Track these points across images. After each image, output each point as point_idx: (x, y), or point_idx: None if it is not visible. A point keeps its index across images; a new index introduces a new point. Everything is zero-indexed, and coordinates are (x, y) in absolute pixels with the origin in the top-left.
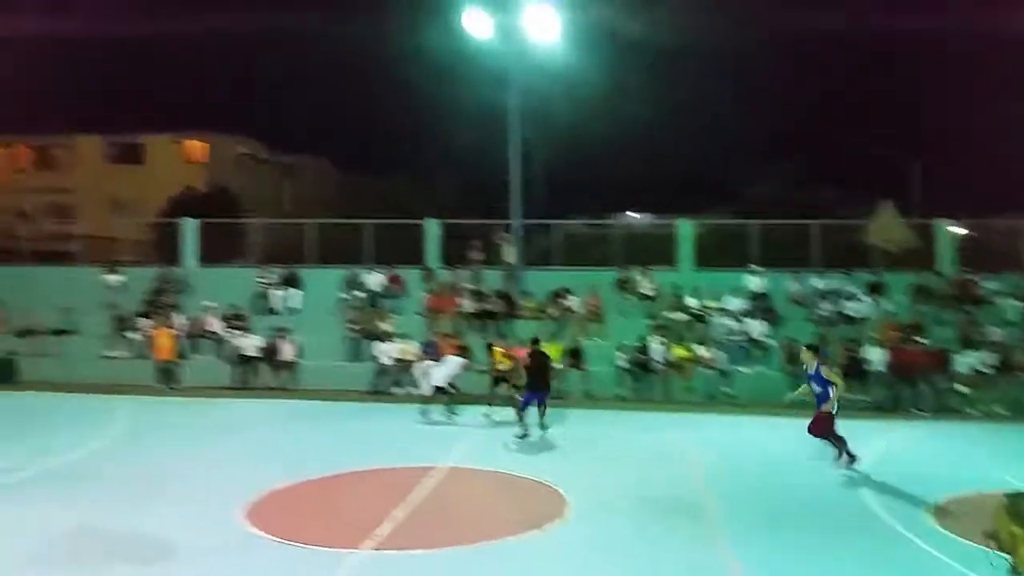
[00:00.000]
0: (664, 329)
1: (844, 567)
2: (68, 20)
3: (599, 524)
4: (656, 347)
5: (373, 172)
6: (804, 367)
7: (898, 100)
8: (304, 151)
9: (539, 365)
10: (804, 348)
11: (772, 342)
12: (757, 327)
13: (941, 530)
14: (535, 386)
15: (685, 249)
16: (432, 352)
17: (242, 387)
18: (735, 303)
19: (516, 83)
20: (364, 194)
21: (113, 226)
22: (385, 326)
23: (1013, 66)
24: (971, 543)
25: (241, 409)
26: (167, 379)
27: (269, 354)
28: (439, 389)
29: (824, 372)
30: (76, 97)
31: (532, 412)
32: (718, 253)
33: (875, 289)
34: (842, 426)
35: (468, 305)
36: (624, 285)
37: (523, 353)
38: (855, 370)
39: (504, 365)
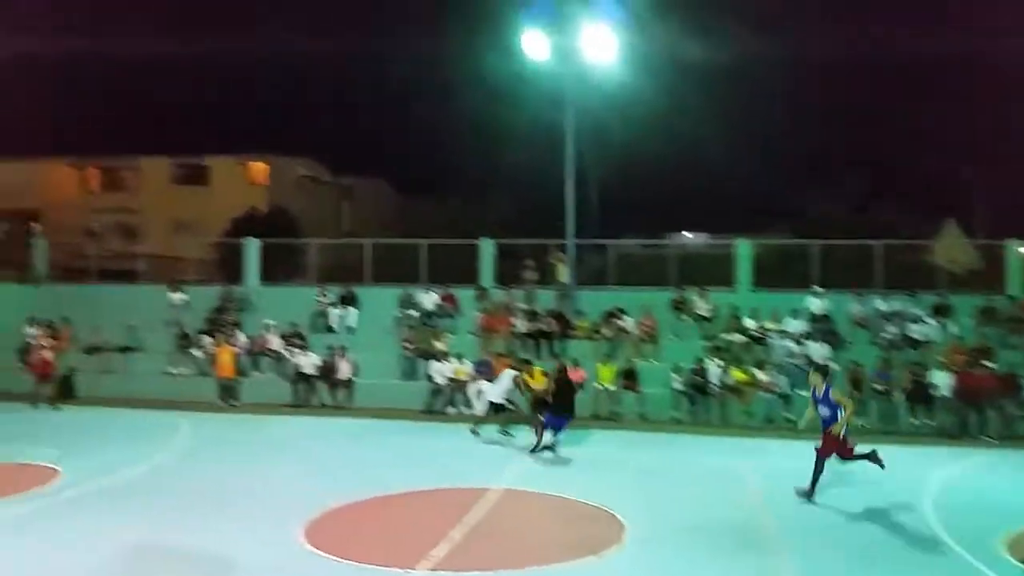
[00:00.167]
0: (722, 351)
1: None
2: (137, 47)
3: (658, 552)
4: (714, 369)
5: (429, 192)
6: (812, 390)
7: (964, 118)
8: (362, 172)
9: (564, 391)
10: (812, 371)
11: (835, 366)
12: (819, 350)
13: (1015, 562)
14: (559, 410)
15: (743, 269)
16: (486, 372)
17: (300, 404)
18: (796, 325)
19: (572, 103)
20: (420, 214)
21: (177, 246)
22: (440, 345)
23: None
24: None
25: (299, 426)
26: (228, 396)
27: (327, 372)
28: (496, 406)
29: (833, 395)
30: (144, 120)
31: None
32: (777, 274)
33: (941, 311)
34: (904, 452)
35: (521, 325)
36: (680, 306)
37: (579, 374)
38: (921, 395)
39: (539, 385)
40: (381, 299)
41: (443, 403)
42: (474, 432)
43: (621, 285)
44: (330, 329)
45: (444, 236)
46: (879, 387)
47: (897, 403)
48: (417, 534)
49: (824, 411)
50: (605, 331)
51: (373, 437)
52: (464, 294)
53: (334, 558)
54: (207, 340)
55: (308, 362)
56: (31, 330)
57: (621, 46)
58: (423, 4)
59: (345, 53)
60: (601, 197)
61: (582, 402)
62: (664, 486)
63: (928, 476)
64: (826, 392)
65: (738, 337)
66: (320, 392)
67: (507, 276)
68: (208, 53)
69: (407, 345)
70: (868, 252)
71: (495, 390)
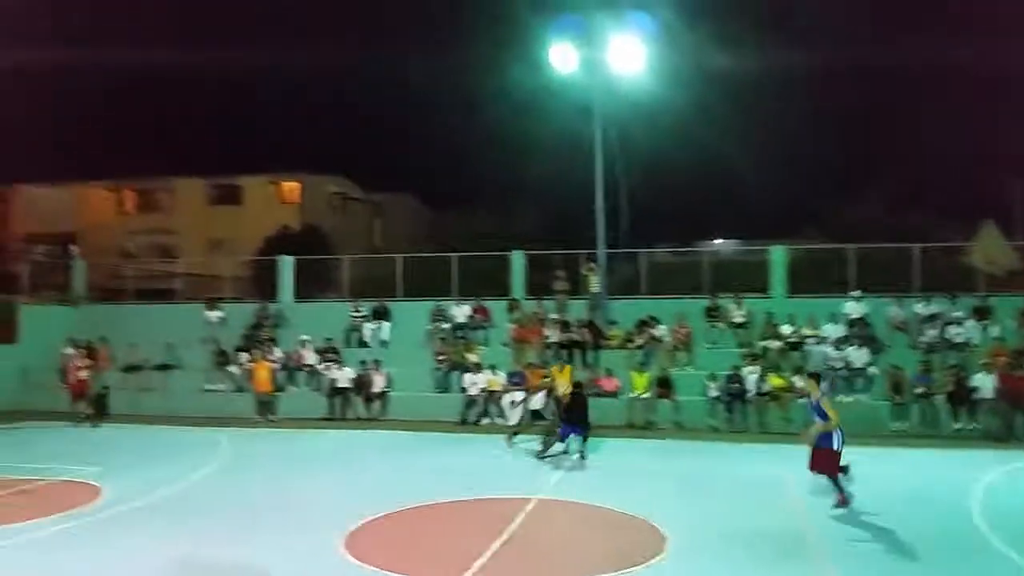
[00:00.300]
0: (758, 358)
1: None
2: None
3: (702, 562)
4: (751, 376)
5: (459, 206)
6: (809, 397)
7: (998, 118)
8: (392, 188)
9: (576, 404)
10: (807, 376)
11: (874, 370)
12: (858, 355)
13: None
14: (570, 420)
15: (778, 275)
16: (519, 383)
17: (336, 418)
18: (833, 330)
19: (601, 114)
20: (450, 228)
21: (213, 264)
22: (472, 357)
23: None
24: None
25: (335, 439)
26: (265, 411)
27: (361, 386)
28: (535, 414)
29: (824, 404)
30: (178, 141)
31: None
32: (813, 279)
33: (981, 313)
34: (948, 456)
35: (553, 335)
36: (714, 313)
37: (612, 383)
38: (963, 398)
39: (563, 383)
40: (413, 313)
41: (477, 414)
42: (510, 442)
43: (653, 294)
44: (364, 343)
45: (474, 249)
46: (920, 391)
47: (939, 406)
48: (457, 546)
49: (819, 421)
50: (638, 340)
51: (409, 449)
52: (496, 306)
53: (375, 570)
54: (244, 356)
55: (343, 376)
56: (69, 350)
57: (649, 55)
58: (450, 20)
59: (373, 70)
60: (630, 206)
61: (616, 410)
62: (703, 495)
63: (973, 480)
64: (818, 401)
65: (775, 343)
66: (355, 405)
67: (538, 287)
68: (239, 75)
69: (440, 357)
70: (905, 255)
71: (535, 397)
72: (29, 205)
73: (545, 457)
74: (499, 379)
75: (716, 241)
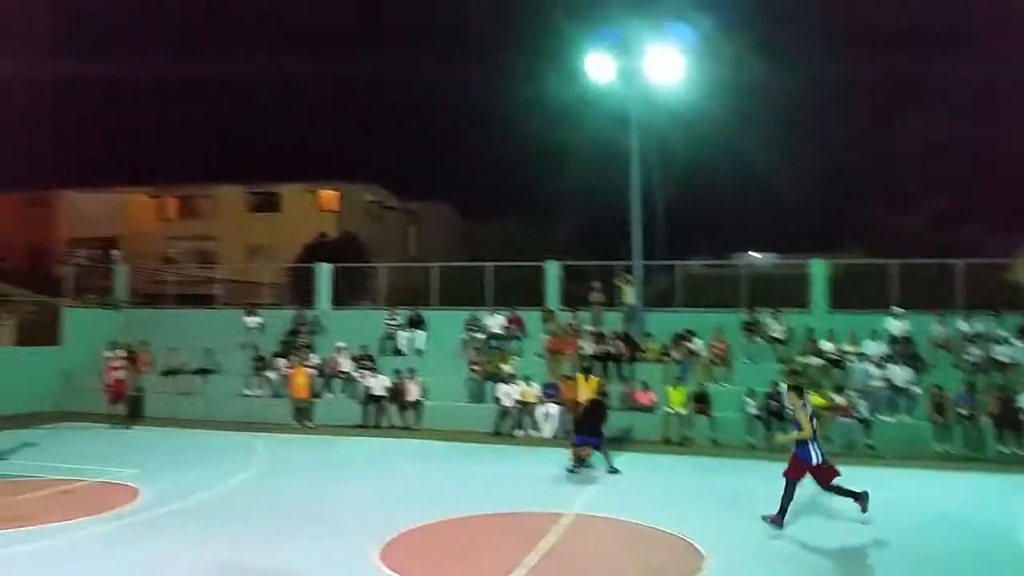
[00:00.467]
0: (798, 374)
1: None
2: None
3: None
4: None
5: (494, 215)
6: (790, 410)
7: None
8: (427, 197)
9: (590, 414)
10: (788, 389)
11: (917, 390)
12: (900, 373)
13: None
14: (580, 430)
15: (819, 290)
16: (554, 394)
17: (370, 426)
18: (875, 347)
19: (637, 123)
20: (485, 237)
21: (251, 271)
22: (506, 368)
23: None
24: None
25: (370, 447)
26: (302, 417)
27: (396, 394)
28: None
29: (799, 415)
30: (219, 150)
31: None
32: (854, 294)
33: None
34: (993, 480)
35: (588, 347)
36: (752, 327)
37: (648, 397)
38: (1009, 420)
39: (587, 391)
40: (448, 322)
41: (511, 425)
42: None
43: (689, 307)
44: (398, 352)
45: (508, 258)
46: (964, 411)
47: (984, 428)
48: (492, 558)
49: (795, 432)
50: (674, 353)
51: (443, 459)
52: (530, 316)
53: None
54: (282, 362)
55: (378, 384)
56: (109, 353)
57: (687, 65)
58: (487, 30)
59: (410, 80)
60: (666, 217)
61: (652, 425)
62: (741, 513)
63: (1020, 506)
64: (795, 411)
65: (815, 360)
66: (390, 413)
67: (573, 298)
68: (281, 84)
69: (474, 367)
70: (950, 272)
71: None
72: (73, 210)
73: (573, 471)
74: (533, 390)
75: (752, 253)
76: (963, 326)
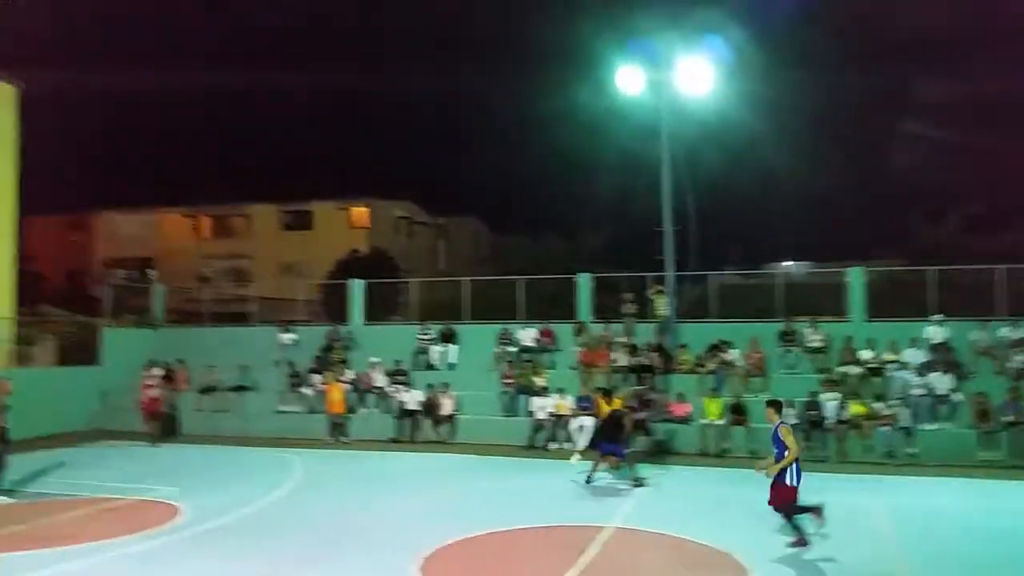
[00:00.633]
0: (837, 384)
1: None
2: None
3: None
4: (829, 403)
5: (524, 229)
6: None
7: None
8: (457, 211)
9: (610, 422)
10: (766, 404)
11: (959, 397)
12: (941, 381)
13: None
14: (599, 438)
15: (856, 298)
16: (588, 407)
17: (405, 440)
18: (915, 355)
19: (668, 134)
20: (514, 250)
21: (285, 288)
22: (539, 381)
23: None
24: None
25: (405, 462)
26: (337, 432)
27: (430, 408)
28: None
29: (781, 432)
30: (252, 170)
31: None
32: (893, 302)
33: None
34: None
35: (622, 359)
36: (788, 337)
37: (684, 409)
38: None
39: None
40: (480, 336)
41: (545, 438)
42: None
43: (723, 317)
44: (431, 366)
45: (538, 272)
46: (1009, 419)
47: None
48: (533, 573)
49: (775, 450)
50: (709, 364)
51: (478, 473)
52: (562, 329)
53: None
54: (317, 378)
55: (412, 398)
56: (145, 372)
57: (717, 76)
58: (514, 45)
59: (436, 95)
60: (699, 228)
61: (688, 437)
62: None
63: None
64: (776, 429)
65: (854, 369)
66: (424, 428)
67: (605, 310)
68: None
69: (507, 381)
70: (989, 276)
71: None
72: (110, 231)
73: (590, 479)
74: (567, 403)
75: (786, 263)
76: (1005, 332)
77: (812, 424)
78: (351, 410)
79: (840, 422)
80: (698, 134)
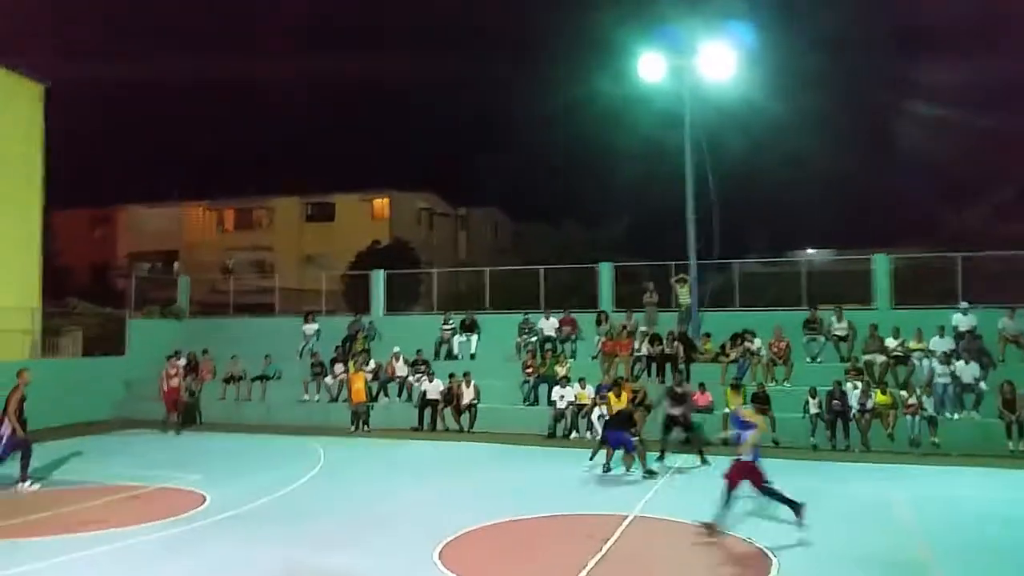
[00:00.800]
0: (861, 372)
1: None
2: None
3: None
4: (854, 392)
5: (544, 218)
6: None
7: None
8: (476, 201)
9: (620, 415)
10: (729, 388)
11: (984, 386)
12: (967, 369)
13: None
14: (607, 430)
15: (882, 285)
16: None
17: (426, 429)
18: (941, 343)
19: (691, 122)
20: (536, 240)
21: (307, 279)
22: (560, 370)
23: None
24: None
25: (427, 451)
26: (359, 421)
27: (451, 398)
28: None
29: (744, 413)
30: (275, 163)
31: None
32: (918, 289)
33: None
34: None
35: (644, 348)
36: (813, 326)
37: (706, 398)
38: None
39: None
40: (501, 325)
41: (566, 428)
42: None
43: (746, 306)
44: (452, 356)
45: (560, 260)
46: None
47: None
48: (556, 561)
49: (735, 432)
50: (732, 354)
51: (499, 461)
52: (584, 318)
53: None
54: (339, 368)
55: (433, 388)
56: (168, 362)
57: (741, 61)
58: (535, 33)
59: (457, 84)
60: (721, 215)
61: (710, 426)
62: (808, 515)
63: None
64: (738, 411)
65: (879, 357)
66: (445, 417)
67: (627, 299)
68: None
69: (528, 370)
70: (1017, 263)
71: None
72: (135, 224)
73: (607, 469)
74: (588, 392)
75: (810, 250)
76: None
77: (836, 413)
78: (373, 399)
79: (864, 411)
80: (720, 120)
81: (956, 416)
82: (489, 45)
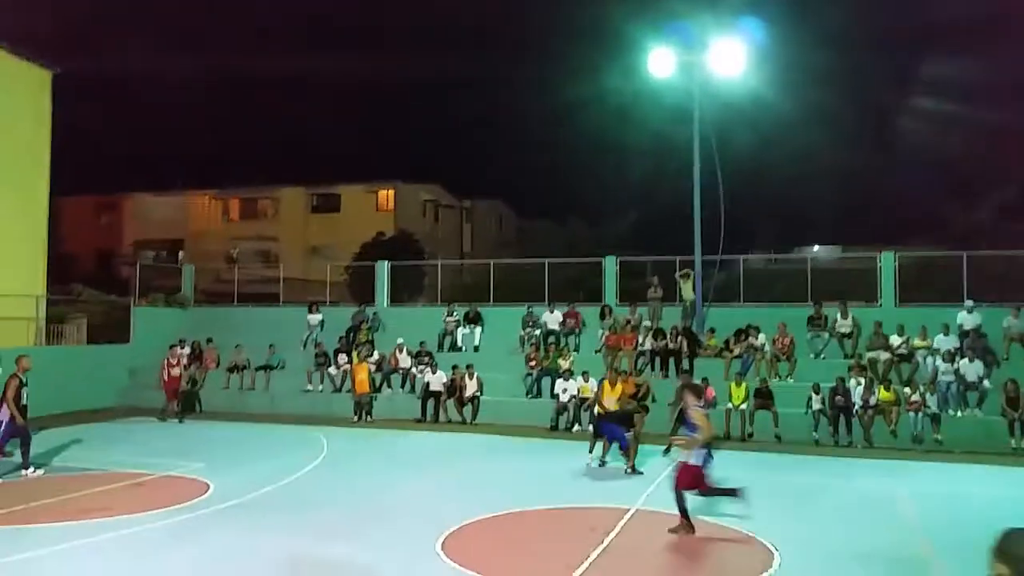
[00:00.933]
0: (865, 369)
1: None
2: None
3: None
4: (857, 388)
5: (549, 212)
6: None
7: None
8: (482, 194)
9: (618, 412)
10: (680, 386)
11: (988, 384)
12: (971, 367)
13: None
14: (602, 420)
15: (887, 283)
16: None
17: (429, 421)
18: (946, 342)
19: (698, 119)
20: (540, 233)
21: (312, 269)
22: (564, 363)
23: None
24: None
25: (429, 442)
26: (363, 412)
27: (454, 389)
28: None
29: (694, 415)
30: (281, 154)
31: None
32: (923, 287)
33: None
34: None
35: (647, 343)
36: (817, 322)
37: (709, 394)
38: None
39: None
40: (505, 318)
41: (568, 421)
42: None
43: (750, 301)
44: (456, 347)
45: (563, 255)
46: None
47: None
48: (558, 553)
49: (685, 431)
50: (736, 349)
51: (502, 453)
52: (588, 312)
53: (475, 574)
54: (343, 358)
55: (436, 379)
56: (171, 350)
57: (750, 58)
58: (543, 28)
59: (462, 78)
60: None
61: (713, 422)
62: (810, 510)
63: None
64: (689, 410)
65: (883, 355)
66: (448, 409)
67: (631, 293)
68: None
69: (531, 363)
70: (1023, 262)
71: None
72: (141, 212)
73: (604, 462)
74: (591, 385)
75: (816, 247)
76: None
77: (839, 410)
78: (376, 390)
79: (867, 407)
80: (729, 116)
81: (959, 413)
82: (497, 39)
